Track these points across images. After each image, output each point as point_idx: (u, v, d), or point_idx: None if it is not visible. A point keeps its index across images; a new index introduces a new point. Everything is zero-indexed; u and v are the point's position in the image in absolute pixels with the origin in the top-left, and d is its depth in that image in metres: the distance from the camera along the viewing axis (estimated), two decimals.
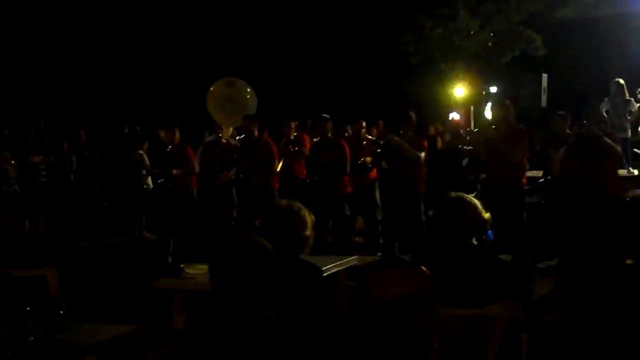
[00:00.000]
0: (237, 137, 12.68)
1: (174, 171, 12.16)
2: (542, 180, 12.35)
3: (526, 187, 11.22)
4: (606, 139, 10.32)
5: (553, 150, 11.78)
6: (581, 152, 10.46)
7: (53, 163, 15.51)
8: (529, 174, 12.49)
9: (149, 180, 15.42)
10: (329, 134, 12.23)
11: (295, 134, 13.51)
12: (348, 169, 11.98)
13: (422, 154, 11.28)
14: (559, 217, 11.24)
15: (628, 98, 14.72)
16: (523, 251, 10.35)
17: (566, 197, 10.79)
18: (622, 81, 14.60)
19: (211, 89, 13.28)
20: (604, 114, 13.98)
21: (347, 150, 12.01)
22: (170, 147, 12.37)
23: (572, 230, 10.63)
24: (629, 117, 14.68)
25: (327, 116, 12.28)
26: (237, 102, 12.85)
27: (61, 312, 4.47)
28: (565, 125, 11.74)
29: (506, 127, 10.30)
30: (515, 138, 10.24)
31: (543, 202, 12.29)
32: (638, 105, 14.89)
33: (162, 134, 13.64)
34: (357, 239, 13.24)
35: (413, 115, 11.52)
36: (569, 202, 10.65)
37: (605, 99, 14.77)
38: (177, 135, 12.44)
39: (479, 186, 11.64)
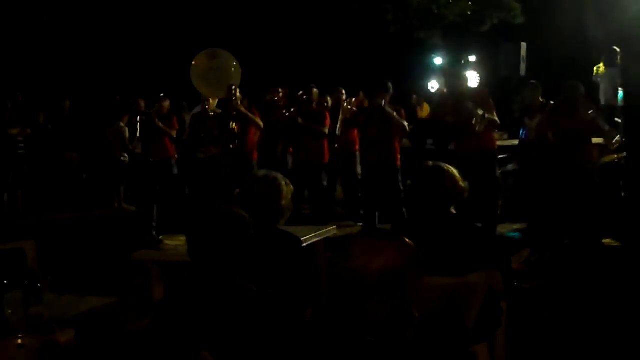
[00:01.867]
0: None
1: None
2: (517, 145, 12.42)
3: (501, 156, 11.34)
4: (582, 106, 10.43)
5: (528, 119, 11.87)
6: (556, 120, 10.58)
7: (31, 135, 15.41)
8: (505, 142, 12.56)
9: (126, 152, 15.39)
10: (313, 104, 12.25)
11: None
12: (325, 136, 12.00)
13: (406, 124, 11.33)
14: (534, 184, 11.36)
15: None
16: (493, 218, 10.51)
17: (541, 164, 10.92)
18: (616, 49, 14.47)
19: (194, 62, 13.20)
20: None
21: (327, 120, 12.03)
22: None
23: (547, 197, 10.75)
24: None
25: (312, 85, 12.32)
26: (221, 72, 12.76)
27: (39, 284, 4.44)
28: (538, 94, 11.82)
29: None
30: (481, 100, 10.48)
31: (518, 170, 12.37)
32: None
33: (142, 104, 13.53)
34: (337, 209, 13.25)
35: (390, 85, 11.50)
36: (543, 169, 10.78)
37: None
38: (167, 104, 12.45)
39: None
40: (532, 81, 12.50)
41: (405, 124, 11.23)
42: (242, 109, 11.53)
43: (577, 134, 10.40)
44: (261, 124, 11.65)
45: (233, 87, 11.48)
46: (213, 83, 12.29)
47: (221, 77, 12.23)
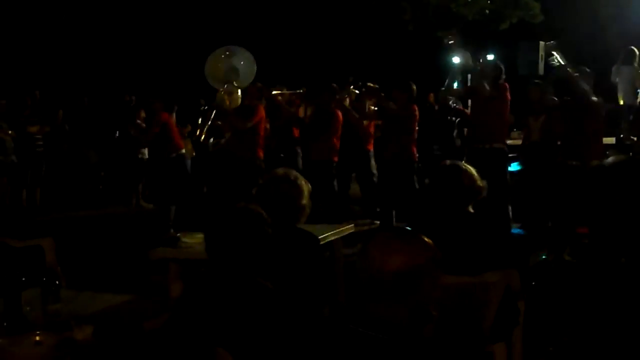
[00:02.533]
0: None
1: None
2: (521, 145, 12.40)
3: (510, 154, 11.34)
4: (592, 104, 10.39)
5: (532, 118, 11.85)
6: (564, 118, 10.56)
7: (49, 133, 15.47)
8: (510, 141, 12.54)
9: (145, 150, 15.39)
10: (326, 103, 12.22)
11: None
12: (336, 137, 11.98)
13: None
14: (538, 183, 11.34)
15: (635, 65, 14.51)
16: (506, 217, 10.52)
17: (546, 163, 10.90)
18: (634, 49, 14.37)
19: (209, 59, 13.20)
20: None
21: (340, 120, 12.02)
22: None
23: (552, 197, 10.73)
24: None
25: (323, 85, 12.29)
26: (235, 70, 12.77)
27: (57, 282, 4.46)
28: (541, 93, 11.77)
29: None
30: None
31: (523, 168, 12.34)
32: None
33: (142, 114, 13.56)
34: (354, 207, 13.25)
35: (414, 86, 11.50)
36: (548, 167, 10.76)
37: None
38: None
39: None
40: (536, 81, 12.49)
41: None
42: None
43: (582, 129, 10.34)
44: (247, 125, 11.61)
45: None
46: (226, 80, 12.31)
47: (234, 76, 12.25)
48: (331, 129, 11.91)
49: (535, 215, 11.50)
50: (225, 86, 11.94)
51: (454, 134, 14.05)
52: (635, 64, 14.06)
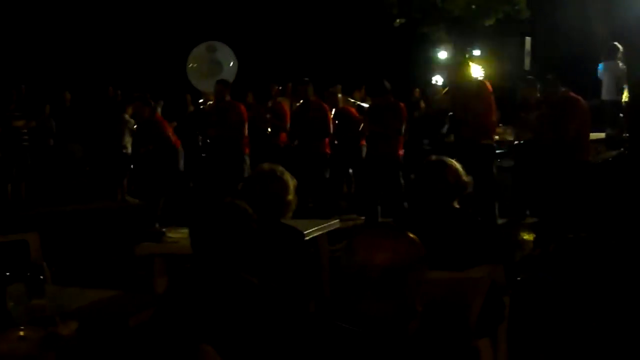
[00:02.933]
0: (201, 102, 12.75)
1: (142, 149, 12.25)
2: (515, 143, 12.41)
3: (498, 150, 11.36)
4: (576, 101, 10.45)
5: (524, 114, 11.88)
6: (552, 115, 10.59)
7: (35, 127, 15.42)
8: (502, 137, 12.57)
9: (129, 144, 15.39)
10: (311, 97, 12.21)
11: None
12: (330, 131, 12.02)
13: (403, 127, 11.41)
14: (530, 179, 11.38)
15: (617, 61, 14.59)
16: (492, 212, 10.57)
17: (537, 160, 10.93)
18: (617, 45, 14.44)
19: (192, 55, 13.22)
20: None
21: (329, 113, 12.05)
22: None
23: (543, 193, 10.77)
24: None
25: (307, 79, 12.26)
26: (218, 66, 12.80)
27: (42, 277, 4.44)
28: (534, 91, 11.79)
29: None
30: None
31: (515, 164, 12.38)
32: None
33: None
34: (341, 202, 13.28)
35: (387, 84, 11.51)
36: (539, 164, 10.80)
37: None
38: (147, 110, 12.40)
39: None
40: (528, 77, 12.52)
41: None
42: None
43: (572, 125, 10.39)
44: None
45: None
46: (208, 75, 12.34)
47: (216, 71, 12.29)
48: (324, 122, 11.94)
49: (530, 211, 11.58)
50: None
51: (444, 128, 14.06)
52: (618, 60, 14.12)
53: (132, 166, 15.50)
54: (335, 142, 12.60)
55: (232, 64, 12.79)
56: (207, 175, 12.53)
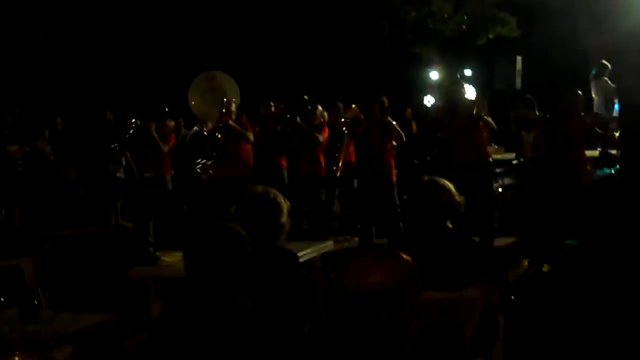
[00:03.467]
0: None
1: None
2: (514, 162, 12.43)
3: (498, 169, 11.37)
4: (578, 120, 10.47)
5: (524, 133, 11.91)
6: (553, 134, 10.61)
7: (28, 152, 15.40)
8: (501, 156, 12.59)
9: (122, 168, 15.40)
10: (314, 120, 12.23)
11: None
12: (319, 147, 11.99)
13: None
14: (531, 198, 11.39)
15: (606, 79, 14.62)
16: (490, 231, 10.58)
17: (538, 179, 10.95)
18: (606, 62, 14.48)
19: (192, 84, 13.22)
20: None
21: (326, 135, 12.04)
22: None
23: (543, 211, 10.77)
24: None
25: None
26: (219, 94, 12.78)
27: (36, 302, 4.44)
28: (532, 109, 11.81)
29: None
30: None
31: (516, 183, 12.39)
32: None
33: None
34: (334, 224, 13.26)
35: (386, 100, 11.58)
36: (540, 183, 10.81)
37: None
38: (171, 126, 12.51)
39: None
40: (527, 95, 12.53)
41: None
42: (231, 122, 11.56)
43: (572, 142, 10.42)
44: (251, 137, 11.68)
45: (225, 101, 11.54)
46: (210, 104, 12.33)
47: (219, 99, 12.28)
48: (318, 137, 11.92)
49: (529, 229, 11.59)
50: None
51: (435, 150, 14.10)
52: (606, 77, 14.19)
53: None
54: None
55: (233, 91, 12.78)
56: (209, 198, 12.51)
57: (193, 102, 12.56)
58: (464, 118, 10.70)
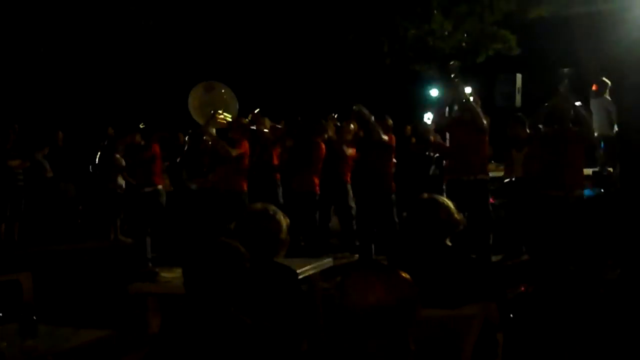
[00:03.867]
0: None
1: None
2: (506, 180, 12.42)
3: (491, 187, 11.39)
4: (573, 136, 10.47)
5: (515, 151, 11.92)
6: (546, 147, 10.60)
7: (29, 167, 15.42)
8: (493, 174, 12.58)
9: (122, 183, 15.38)
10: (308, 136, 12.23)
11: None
12: (317, 167, 11.98)
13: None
14: (522, 217, 11.39)
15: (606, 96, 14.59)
16: (486, 248, 10.58)
17: (529, 197, 10.94)
18: (606, 80, 14.47)
19: (191, 93, 13.23)
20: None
21: (322, 151, 12.02)
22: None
23: (536, 230, 10.77)
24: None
25: (300, 118, 12.33)
26: (217, 105, 12.79)
27: (34, 317, 4.44)
28: (523, 127, 11.76)
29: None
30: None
31: (507, 202, 12.37)
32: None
33: (137, 138, 13.57)
34: (333, 240, 13.24)
35: (389, 118, 11.61)
36: (532, 202, 10.81)
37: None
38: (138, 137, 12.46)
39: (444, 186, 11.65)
40: (518, 113, 12.56)
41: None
42: (207, 136, 11.62)
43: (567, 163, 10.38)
44: (232, 153, 11.67)
45: (212, 111, 11.61)
46: (208, 114, 12.35)
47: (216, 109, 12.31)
48: (313, 160, 11.91)
49: (524, 248, 11.59)
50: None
51: (431, 169, 14.14)
52: (607, 95, 14.21)
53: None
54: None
55: (231, 103, 12.80)
56: (205, 213, 12.52)
57: (192, 109, 12.61)
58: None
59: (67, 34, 22.05)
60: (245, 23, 23.47)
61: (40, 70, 23.16)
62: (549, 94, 11.29)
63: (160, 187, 12.21)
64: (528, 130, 11.54)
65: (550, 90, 11.59)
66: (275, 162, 12.74)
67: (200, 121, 12.69)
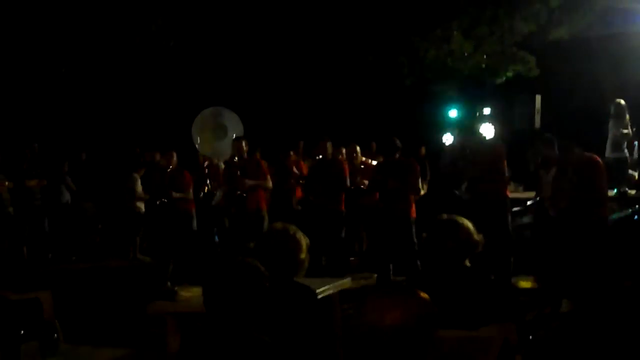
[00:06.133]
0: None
1: (175, 194, 12.25)
2: (532, 201, 12.41)
3: (516, 208, 11.36)
4: (594, 161, 10.44)
5: (543, 172, 11.90)
6: (567, 175, 10.59)
7: (47, 186, 15.50)
8: (520, 195, 12.57)
9: (141, 202, 15.43)
10: (329, 154, 12.23)
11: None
12: (346, 186, 12.02)
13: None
14: (548, 238, 11.35)
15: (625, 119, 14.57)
16: (507, 269, 10.58)
17: (555, 219, 10.91)
18: (622, 102, 14.47)
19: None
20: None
21: (346, 170, 12.05)
22: (170, 169, 12.47)
23: (561, 252, 10.73)
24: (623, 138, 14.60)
25: (326, 136, 12.35)
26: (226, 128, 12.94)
27: (55, 335, 4.46)
28: (552, 148, 11.76)
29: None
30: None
31: (533, 223, 12.35)
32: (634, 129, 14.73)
33: (157, 157, 13.65)
34: (352, 260, 13.26)
35: (398, 142, 11.59)
36: (558, 224, 10.77)
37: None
38: (175, 158, 12.57)
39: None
40: (546, 134, 12.51)
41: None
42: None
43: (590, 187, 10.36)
44: (269, 184, 11.83)
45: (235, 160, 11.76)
46: (214, 142, 12.46)
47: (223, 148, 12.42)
48: (341, 178, 11.94)
49: (546, 269, 11.55)
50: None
51: (463, 187, 14.17)
52: (622, 117, 14.19)
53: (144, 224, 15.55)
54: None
55: (237, 127, 12.89)
56: (227, 232, 12.60)
57: (199, 143, 12.70)
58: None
59: (89, 55, 22.18)
60: (268, 43, 23.58)
61: (61, 90, 23.28)
62: (568, 116, 11.31)
63: (192, 208, 12.36)
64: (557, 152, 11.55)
65: (569, 112, 11.65)
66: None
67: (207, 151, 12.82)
